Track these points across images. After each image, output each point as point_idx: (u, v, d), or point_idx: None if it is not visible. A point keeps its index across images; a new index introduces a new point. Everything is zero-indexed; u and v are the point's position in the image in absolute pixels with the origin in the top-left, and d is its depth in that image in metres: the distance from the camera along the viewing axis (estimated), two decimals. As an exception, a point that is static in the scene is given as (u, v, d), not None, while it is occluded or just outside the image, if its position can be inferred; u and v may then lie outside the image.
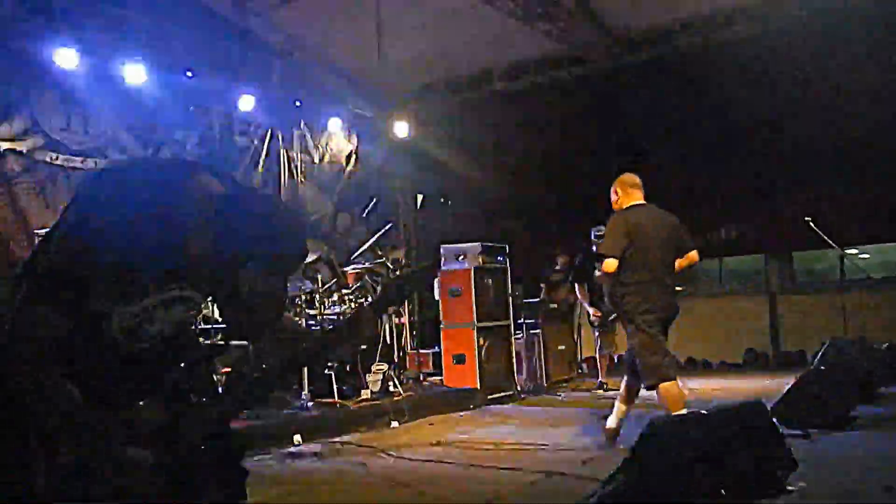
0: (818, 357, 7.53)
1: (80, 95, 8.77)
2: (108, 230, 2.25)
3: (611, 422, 6.40)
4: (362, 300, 9.18)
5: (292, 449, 6.87)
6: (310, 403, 7.95)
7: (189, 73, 9.46)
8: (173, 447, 2.20)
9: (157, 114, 9.52)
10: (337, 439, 7.28)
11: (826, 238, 9.33)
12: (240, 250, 2.34)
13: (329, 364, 8.21)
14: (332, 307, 8.90)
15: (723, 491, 4.17)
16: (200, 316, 7.15)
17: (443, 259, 10.12)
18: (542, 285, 12.06)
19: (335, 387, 8.32)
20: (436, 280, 10.22)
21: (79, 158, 8.81)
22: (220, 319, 6.46)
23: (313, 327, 8.40)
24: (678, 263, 6.12)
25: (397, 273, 9.66)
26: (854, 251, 11.83)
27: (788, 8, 9.44)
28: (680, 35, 10.14)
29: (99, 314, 2.24)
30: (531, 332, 10.96)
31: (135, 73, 8.91)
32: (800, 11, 9.40)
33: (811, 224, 9.34)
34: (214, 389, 2.56)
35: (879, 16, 9.27)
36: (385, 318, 9.66)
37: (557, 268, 12.16)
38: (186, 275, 2.35)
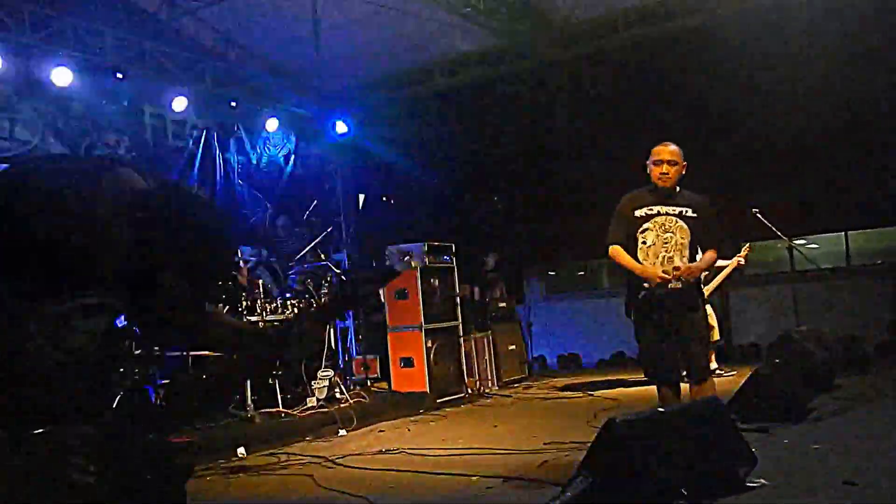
0: (773, 349, 7.48)
1: (3, 99, 8.49)
2: (11, 225, 2.06)
3: None
4: (305, 304, 8.93)
5: (236, 462, 6.62)
6: (253, 413, 7.69)
7: (119, 75, 9.14)
8: (111, 468, 2.02)
9: (87, 117, 9.20)
10: (283, 450, 7.04)
11: (774, 229, 9.32)
12: (162, 250, 2.14)
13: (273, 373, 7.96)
14: (274, 313, 8.63)
15: (683, 490, 4.11)
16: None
17: (387, 260, 9.91)
18: (476, 287, 11.94)
19: (279, 395, 8.06)
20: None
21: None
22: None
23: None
24: None
25: (350, 277, 9.39)
26: (802, 241, 11.91)
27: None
28: (623, 27, 10.10)
29: (14, 315, 2.03)
30: (480, 332, 10.79)
31: (62, 76, 8.59)
32: (744, 3, 9.44)
33: (759, 215, 9.32)
34: (151, 405, 2.43)
35: (827, 9, 9.34)
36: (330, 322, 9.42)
37: (487, 268, 12.05)
38: (104, 276, 2.15)
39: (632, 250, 5.67)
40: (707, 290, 9.48)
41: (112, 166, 2.25)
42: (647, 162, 5.77)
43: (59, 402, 2.11)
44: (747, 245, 9.74)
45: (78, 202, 2.10)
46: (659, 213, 5.66)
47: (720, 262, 9.64)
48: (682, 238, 5.64)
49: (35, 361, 2.07)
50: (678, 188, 5.76)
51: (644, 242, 5.64)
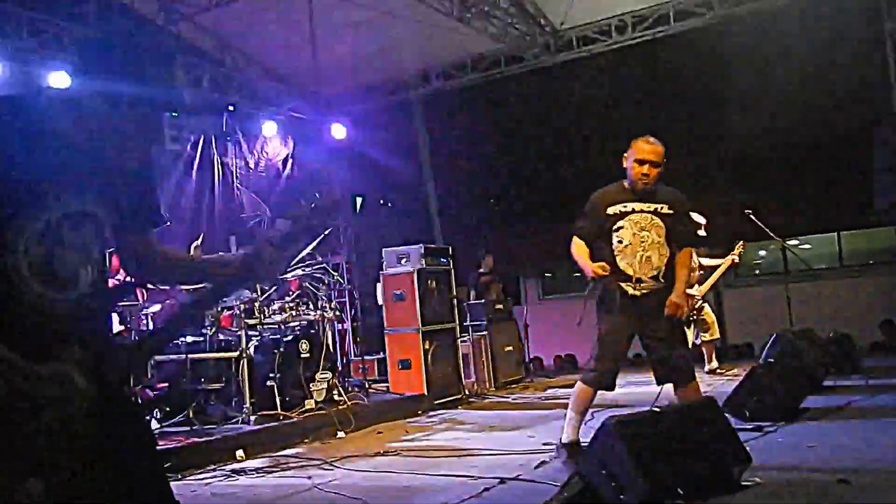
0: (766, 349, 7.53)
1: (2, 104, 8.46)
2: None
3: None
4: (303, 308, 8.95)
5: (235, 465, 6.62)
6: (251, 417, 7.70)
7: (116, 79, 9.15)
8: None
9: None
10: (281, 453, 7.06)
11: (767, 230, 9.38)
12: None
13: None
14: (272, 316, 8.64)
15: (679, 489, 4.15)
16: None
17: (385, 263, 9.95)
18: (471, 291, 11.97)
19: (277, 398, 8.08)
20: (378, 284, 10.05)
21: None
22: None
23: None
24: None
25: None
26: (795, 242, 11.98)
27: (727, 5, 9.52)
28: (618, 32, 10.16)
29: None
30: (477, 333, 10.84)
31: (59, 80, 8.62)
32: (738, 8, 9.49)
33: (751, 217, 9.38)
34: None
35: (821, 13, 9.42)
36: (327, 325, 9.44)
37: (482, 269, 12.09)
38: (85, 184, 2.24)
39: (606, 249, 5.41)
40: (702, 289, 9.56)
41: None
42: (627, 156, 5.42)
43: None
44: (740, 243, 9.82)
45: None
46: (634, 211, 5.38)
47: (714, 262, 9.73)
48: (658, 236, 5.37)
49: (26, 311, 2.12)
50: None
51: (620, 241, 5.37)
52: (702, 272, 9.72)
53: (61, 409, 2.03)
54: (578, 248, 5.48)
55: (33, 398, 2.01)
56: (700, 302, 9.61)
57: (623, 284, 5.34)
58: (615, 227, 5.39)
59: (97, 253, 2.31)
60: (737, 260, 9.75)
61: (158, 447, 2.58)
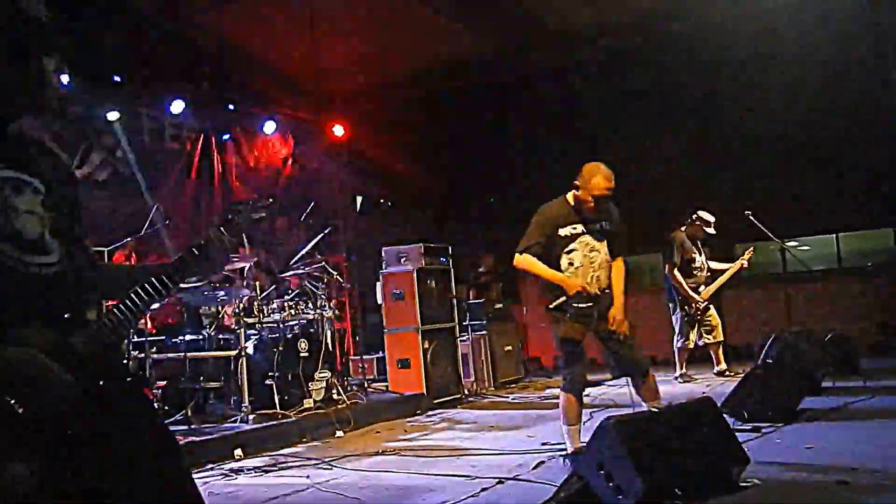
0: (765, 350, 7.53)
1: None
2: None
3: None
4: (303, 307, 8.95)
5: (233, 465, 6.62)
6: (250, 416, 7.70)
7: (117, 78, 9.17)
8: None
9: (85, 119, 9.22)
10: (280, 452, 7.07)
11: (767, 231, 9.37)
12: None
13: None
14: (271, 314, 8.64)
15: (677, 489, 4.15)
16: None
17: (384, 262, 9.96)
18: (471, 290, 11.96)
19: (276, 397, 8.08)
20: (378, 283, 10.06)
21: None
22: None
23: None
24: None
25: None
26: (794, 243, 11.99)
27: (725, 5, 9.54)
28: (619, 32, 10.17)
29: None
30: (477, 333, 10.84)
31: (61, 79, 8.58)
32: (737, 9, 9.51)
33: (751, 217, 9.38)
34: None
35: (820, 15, 9.44)
36: (327, 324, 9.45)
37: (482, 269, 12.08)
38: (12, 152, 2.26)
39: (556, 269, 5.47)
40: (707, 291, 9.56)
41: None
42: (580, 185, 5.46)
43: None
44: (751, 248, 9.81)
45: None
46: (583, 233, 5.48)
47: (723, 266, 9.75)
48: (605, 254, 5.52)
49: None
50: None
51: (571, 264, 5.44)
52: (709, 274, 9.72)
53: (38, 391, 2.01)
54: (537, 265, 5.49)
55: (6, 379, 1.99)
56: (705, 303, 9.60)
57: (575, 304, 5.36)
58: (567, 249, 5.48)
59: (64, 226, 2.32)
60: (745, 265, 9.74)
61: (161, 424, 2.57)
